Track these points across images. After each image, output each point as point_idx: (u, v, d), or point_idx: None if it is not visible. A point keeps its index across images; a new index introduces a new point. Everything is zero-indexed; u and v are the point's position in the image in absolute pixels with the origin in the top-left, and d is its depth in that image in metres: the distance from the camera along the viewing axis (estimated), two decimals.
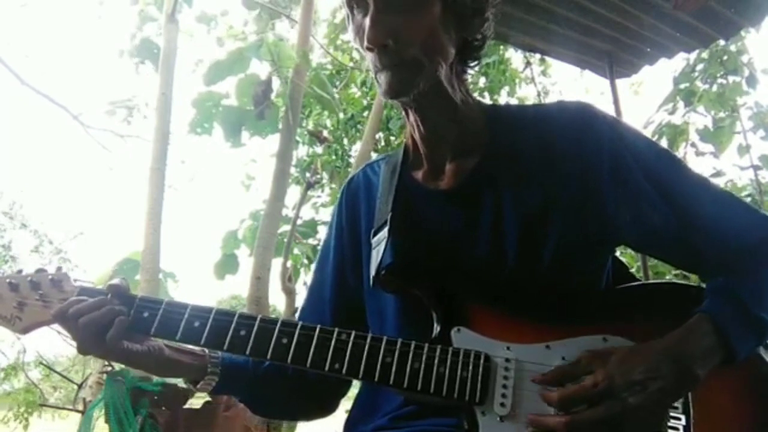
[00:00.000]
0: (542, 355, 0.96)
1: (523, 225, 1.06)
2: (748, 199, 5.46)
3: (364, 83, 7.50)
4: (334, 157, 7.66)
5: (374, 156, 6.30)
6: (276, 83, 5.24)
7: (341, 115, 7.56)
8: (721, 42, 4.03)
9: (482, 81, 7.40)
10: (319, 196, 7.91)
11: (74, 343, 1.06)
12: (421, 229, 1.14)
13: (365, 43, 1.02)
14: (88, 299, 1.05)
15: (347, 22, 1.09)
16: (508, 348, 0.97)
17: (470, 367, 0.96)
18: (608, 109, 3.41)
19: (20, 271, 1.12)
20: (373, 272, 1.11)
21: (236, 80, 5.40)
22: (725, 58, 5.37)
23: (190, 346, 1.12)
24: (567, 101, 1.18)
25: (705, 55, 5.41)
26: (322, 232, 7.25)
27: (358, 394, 1.20)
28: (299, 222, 6.37)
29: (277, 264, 5.29)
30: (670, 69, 5.89)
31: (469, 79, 1.17)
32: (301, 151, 7.60)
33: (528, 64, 7.42)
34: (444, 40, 1.04)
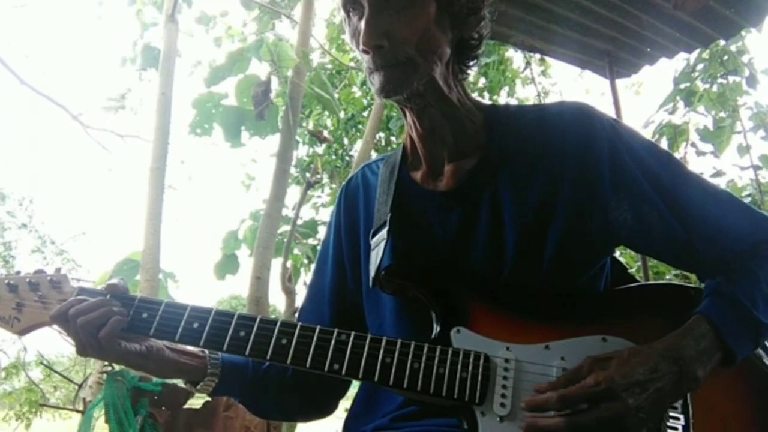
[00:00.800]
0: (542, 356, 0.96)
1: (521, 225, 1.06)
2: (749, 199, 5.46)
3: (364, 83, 7.49)
4: (334, 157, 7.66)
5: (374, 156, 6.30)
6: (276, 83, 5.24)
7: (341, 115, 7.56)
8: (721, 42, 4.03)
9: (482, 81, 7.40)
10: (319, 196, 7.91)
11: (74, 344, 1.06)
12: (420, 229, 1.14)
13: (361, 45, 1.03)
14: (87, 299, 1.05)
15: (344, 25, 1.10)
16: (507, 348, 0.97)
17: (470, 368, 0.96)
18: (608, 109, 3.43)
19: (19, 272, 1.12)
20: (372, 273, 1.11)
21: (236, 81, 5.41)
22: (725, 58, 5.37)
23: (190, 347, 1.12)
24: (566, 102, 1.18)
25: (705, 55, 5.40)
26: (322, 232, 7.25)
27: (358, 394, 1.20)
28: (299, 222, 6.37)
29: (277, 264, 5.29)
30: (671, 69, 5.89)
31: (470, 79, 1.17)
32: (301, 151, 7.61)
33: (528, 64, 7.42)
34: (439, 40, 1.04)
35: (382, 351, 0.98)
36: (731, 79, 5.53)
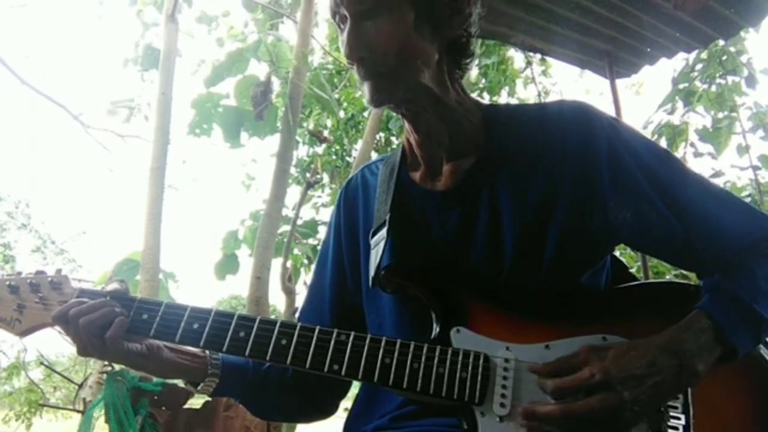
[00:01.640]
0: (542, 355, 0.96)
1: (521, 225, 1.06)
2: (748, 199, 5.46)
3: None
4: (334, 157, 7.66)
5: (374, 156, 6.31)
6: (275, 84, 5.24)
7: (341, 115, 7.56)
8: (720, 42, 4.03)
9: (482, 81, 7.39)
10: (319, 196, 7.91)
11: (75, 344, 1.06)
12: (420, 229, 1.14)
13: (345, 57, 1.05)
14: (87, 301, 1.05)
15: (339, 34, 1.11)
16: (507, 348, 0.97)
17: (470, 368, 0.96)
18: (608, 109, 3.43)
19: (20, 273, 1.12)
20: (372, 273, 1.11)
21: (235, 81, 5.41)
22: (724, 58, 5.37)
23: (190, 347, 1.12)
24: (566, 101, 1.18)
25: (704, 55, 5.40)
26: (322, 232, 7.25)
27: (358, 394, 1.20)
28: (299, 222, 6.37)
29: (277, 264, 5.30)
30: (671, 69, 5.89)
31: (471, 79, 1.18)
32: (301, 151, 7.61)
33: (529, 64, 7.41)
34: (420, 46, 1.05)
35: (381, 351, 0.98)
36: (730, 79, 5.53)
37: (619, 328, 0.98)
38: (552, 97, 7.64)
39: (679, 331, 0.94)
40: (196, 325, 1.03)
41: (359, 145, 7.14)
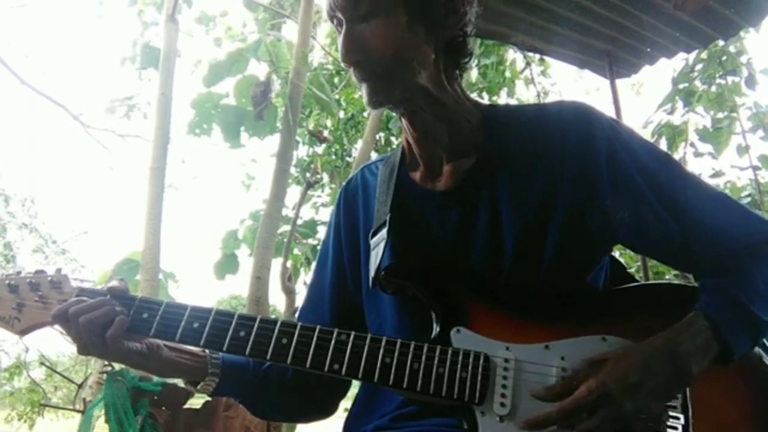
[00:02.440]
0: (541, 355, 0.97)
1: (521, 225, 1.06)
2: (748, 200, 5.46)
3: None
4: (334, 157, 7.65)
5: (374, 156, 6.31)
6: (275, 83, 5.24)
7: (341, 115, 7.56)
8: (720, 42, 4.03)
9: (481, 82, 7.38)
10: (319, 196, 7.91)
11: (75, 343, 1.06)
12: (420, 229, 1.14)
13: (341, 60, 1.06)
14: (88, 300, 1.05)
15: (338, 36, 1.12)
16: (507, 348, 0.97)
17: (470, 368, 0.96)
18: (608, 109, 3.43)
19: (19, 273, 1.12)
20: (372, 273, 1.11)
21: (235, 81, 5.41)
22: (724, 58, 5.37)
23: (191, 347, 1.12)
24: (565, 101, 1.18)
25: (704, 55, 5.40)
26: (322, 232, 7.25)
27: (358, 394, 1.20)
28: (299, 222, 6.37)
29: (277, 264, 5.30)
30: (670, 69, 5.89)
31: (470, 79, 1.18)
32: (301, 151, 7.60)
33: (528, 64, 7.41)
34: (416, 46, 1.05)
35: (381, 351, 0.98)
36: (730, 79, 5.53)
37: (619, 328, 0.98)
38: (551, 98, 7.64)
39: (675, 332, 0.94)
40: (196, 325, 1.03)
41: (359, 145, 7.14)
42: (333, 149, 7.63)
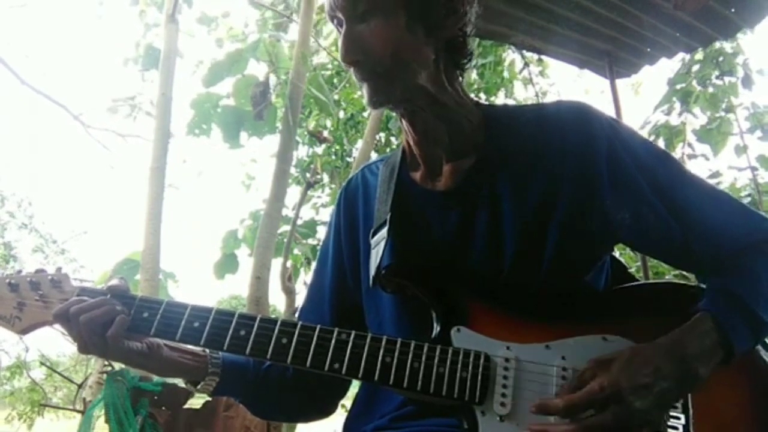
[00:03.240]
0: (542, 355, 0.97)
1: (521, 225, 1.06)
2: (748, 200, 5.46)
3: None
4: (334, 157, 7.65)
5: (374, 156, 6.30)
6: (273, 82, 5.24)
7: (341, 115, 7.56)
8: (716, 44, 4.03)
9: (479, 82, 7.38)
10: (319, 196, 7.90)
11: (75, 342, 1.06)
12: (420, 229, 1.14)
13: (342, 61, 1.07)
14: (88, 299, 1.05)
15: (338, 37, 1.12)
16: (508, 348, 0.97)
17: (470, 367, 0.96)
18: (608, 109, 3.43)
19: (20, 272, 1.12)
20: (372, 272, 1.11)
21: (234, 81, 5.41)
22: (721, 59, 5.37)
23: (191, 346, 1.12)
24: (564, 101, 1.18)
25: (699, 56, 5.40)
26: (322, 232, 7.24)
27: (358, 394, 1.20)
28: (299, 222, 6.37)
29: (277, 264, 5.29)
30: (670, 69, 5.89)
31: (470, 78, 1.18)
32: (301, 151, 7.60)
33: (526, 65, 7.40)
34: (414, 46, 1.05)
35: (382, 350, 0.98)
36: (726, 80, 5.54)
37: (620, 328, 0.98)
38: (550, 98, 7.64)
39: (682, 334, 0.94)
40: (196, 324, 1.03)
41: (359, 145, 7.14)
42: (333, 149, 7.62)
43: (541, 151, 1.09)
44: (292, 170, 6.41)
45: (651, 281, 2.19)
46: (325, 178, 7.58)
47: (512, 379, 0.95)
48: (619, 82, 3.75)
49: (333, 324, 1.02)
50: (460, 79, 1.15)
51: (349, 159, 7.61)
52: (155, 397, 2.86)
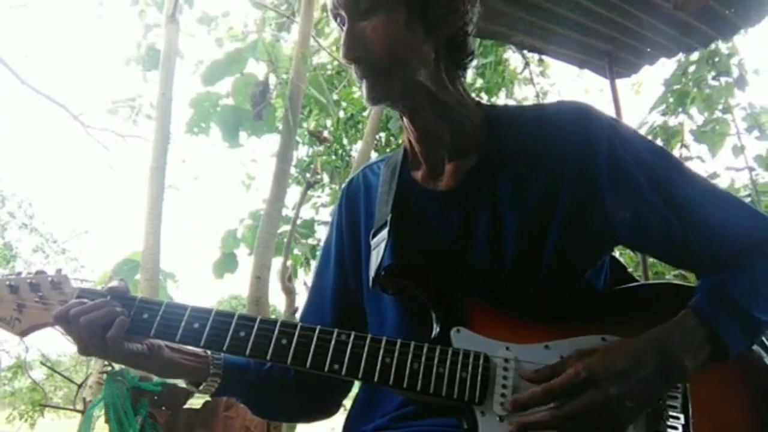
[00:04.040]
0: (541, 355, 0.97)
1: (522, 225, 1.06)
2: (747, 200, 5.46)
3: None
4: (334, 157, 7.66)
5: (374, 156, 6.30)
6: (273, 81, 5.24)
7: (341, 115, 7.56)
8: (712, 45, 4.03)
9: (479, 82, 7.38)
10: (319, 196, 7.91)
11: (76, 344, 1.06)
12: (421, 229, 1.14)
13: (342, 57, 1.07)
14: (88, 301, 1.05)
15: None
16: (507, 348, 0.97)
17: (470, 368, 0.96)
18: (608, 109, 3.43)
19: (20, 273, 1.12)
20: (372, 273, 1.11)
21: (233, 80, 5.41)
22: (716, 60, 5.38)
23: (192, 347, 1.12)
24: (565, 101, 1.18)
25: (695, 56, 5.41)
26: (321, 232, 7.26)
27: (358, 394, 1.20)
28: (299, 222, 6.37)
29: (277, 264, 5.30)
30: (669, 69, 5.89)
31: (468, 80, 1.18)
32: (301, 151, 7.61)
33: (527, 65, 7.40)
34: (414, 44, 1.05)
35: (382, 351, 0.98)
36: (723, 80, 5.54)
37: (619, 328, 0.98)
38: (550, 98, 7.63)
39: (665, 329, 0.95)
40: (196, 325, 1.03)
41: (359, 145, 7.14)
42: (333, 149, 7.63)
43: (541, 152, 1.09)
44: (292, 170, 6.42)
45: (650, 281, 2.19)
46: (325, 178, 7.59)
47: (512, 380, 0.95)
48: (619, 82, 3.75)
49: (334, 325, 1.02)
50: (462, 78, 1.15)
51: (349, 159, 7.62)
52: (155, 397, 2.86)
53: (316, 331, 1.01)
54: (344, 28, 1.06)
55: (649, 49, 3.57)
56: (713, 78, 5.53)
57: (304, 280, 6.61)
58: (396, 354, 0.97)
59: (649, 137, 5.36)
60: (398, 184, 1.17)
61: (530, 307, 1.02)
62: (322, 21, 6.80)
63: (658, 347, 0.92)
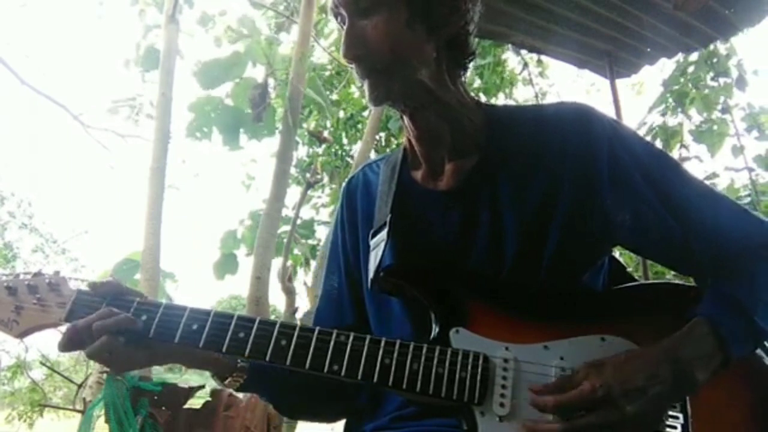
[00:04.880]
0: (541, 355, 0.96)
1: (522, 225, 1.06)
2: (747, 200, 5.46)
3: None
4: (333, 157, 7.66)
5: (374, 156, 6.30)
6: (272, 83, 5.24)
7: (341, 115, 7.57)
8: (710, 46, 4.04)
9: (478, 83, 7.37)
10: (319, 197, 7.92)
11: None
12: (421, 230, 1.14)
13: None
14: (84, 317, 1.03)
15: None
16: (506, 348, 0.97)
17: (469, 368, 0.96)
18: (608, 109, 3.43)
19: (18, 275, 1.12)
20: (371, 274, 1.11)
21: (232, 84, 5.41)
22: (715, 60, 5.38)
23: None
24: (565, 102, 1.18)
25: (694, 57, 5.41)
26: (321, 232, 7.26)
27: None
28: (299, 222, 6.38)
29: (277, 264, 5.30)
30: (668, 69, 5.89)
31: (467, 79, 1.17)
32: (301, 152, 7.61)
33: (525, 65, 7.40)
34: (414, 43, 1.05)
35: (381, 352, 0.98)
36: (722, 81, 5.55)
37: (618, 328, 0.98)
38: (549, 99, 7.63)
39: (679, 339, 0.94)
40: (195, 326, 1.03)
41: (359, 145, 7.14)
42: (333, 149, 7.63)
43: (541, 152, 1.09)
44: (292, 170, 6.42)
45: (650, 281, 2.19)
46: (325, 178, 7.59)
47: (511, 380, 0.95)
48: (619, 82, 3.75)
49: (355, 322, 1.02)
50: (463, 78, 1.14)
51: (348, 159, 7.62)
52: (155, 397, 2.85)
53: (315, 332, 1.00)
54: (345, 27, 1.06)
55: (649, 49, 3.57)
56: (712, 79, 5.54)
57: (304, 280, 6.62)
58: (395, 355, 0.97)
59: (649, 137, 5.38)
60: (398, 184, 1.16)
61: (530, 308, 1.02)
62: (322, 21, 6.80)
63: (673, 360, 0.91)
